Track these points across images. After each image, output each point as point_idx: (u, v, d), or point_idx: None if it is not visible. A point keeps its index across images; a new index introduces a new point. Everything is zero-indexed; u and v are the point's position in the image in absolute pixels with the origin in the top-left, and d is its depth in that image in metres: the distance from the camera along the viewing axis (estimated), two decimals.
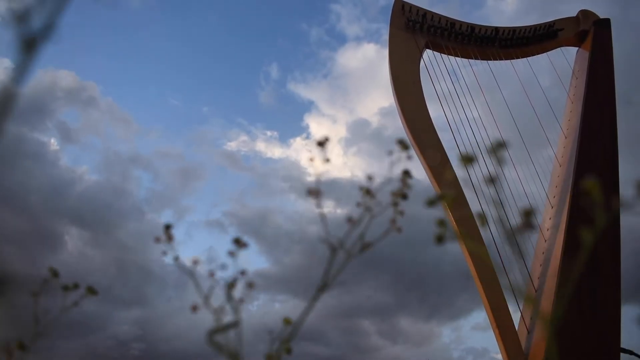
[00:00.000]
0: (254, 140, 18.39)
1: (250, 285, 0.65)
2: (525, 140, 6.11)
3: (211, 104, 19.97)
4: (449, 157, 5.62)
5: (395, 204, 0.66)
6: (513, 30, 6.81)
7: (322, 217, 0.65)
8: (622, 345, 4.61)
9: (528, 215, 0.54)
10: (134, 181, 16.42)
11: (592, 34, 6.93)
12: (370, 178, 0.65)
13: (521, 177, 5.81)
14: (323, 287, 0.64)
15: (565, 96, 6.79)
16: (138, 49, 19.57)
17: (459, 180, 5.19)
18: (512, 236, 0.56)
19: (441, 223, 0.55)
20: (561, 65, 7.00)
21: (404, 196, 0.66)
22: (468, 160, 0.57)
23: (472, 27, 6.63)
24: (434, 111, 5.90)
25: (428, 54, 6.40)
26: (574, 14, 7.25)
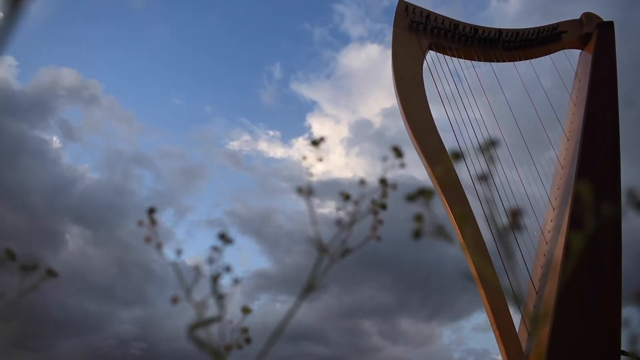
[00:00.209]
0: (256, 140, 18.43)
1: (236, 281, 0.65)
2: (527, 142, 6.11)
3: (214, 104, 20.02)
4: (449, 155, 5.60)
5: (375, 213, 0.66)
6: (516, 32, 6.81)
7: (312, 218, 0.66)
8: (623, 348, 4.60)
9: (515, 215, 0.55)
10: (135, 180, 16.46)
11: (595, 37, 6.93)
12: (362, 182, 0.66)
13: (523, 178, 5.81)
14: (309, 288, 0.65)
15: (567, 98, 6.78)
16: (141, 48, 19.63)
17: (460, 182, 5.20)
18: (504, 235, 0.57)
19: (418, 218, 0.55)
20: (564, 68, 7.00)
21: (383, 206, 0.66)
22: (456, 156, 0.58)
23: (475, 28, 6.63)
24: (437, 112, 5.91)
25: (431, 55, 6.41)
26: (578, 17, 7.25)
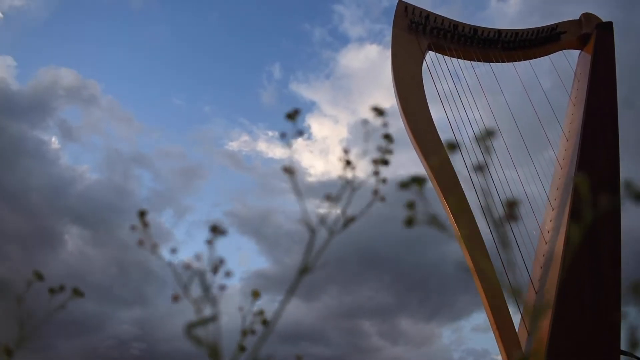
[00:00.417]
0: (256, 140, 18.43)
1: (227, 274, 0.64)
2: (526, 142, 6.11)
3: (213, 104, 20.03)
4: (448, 158, 5.62)
5: (376, 173, 0.64)
6: (516, 32, 6.82)
7: (298, 193, 0.65)
8: (622, 347, 4.61)
9: (512, 206, 0.55)
10: (135, 180, 16.46)
11: (594, 37, 6.93)
12: (346, 151, 0.65)
13: (522, 178, 5.82)
14: (304, 269, 0.63)
15: (567, 98, 6.79)
16: (140, 48, 19.63)
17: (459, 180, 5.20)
18: (500, 225, 0.57)
19: (410, 205, 0.55)
20: (563, 68, 7.01)
21: (385, 162, 0.65)
22: (452, 147, 0.58)
23: (474, 29, 6.64)
24: (436, 112, 5.91)
25: (430, 55, 6.41)
26: (577, 17, 7.26)
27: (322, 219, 0.63)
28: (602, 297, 4.88)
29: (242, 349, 0.65)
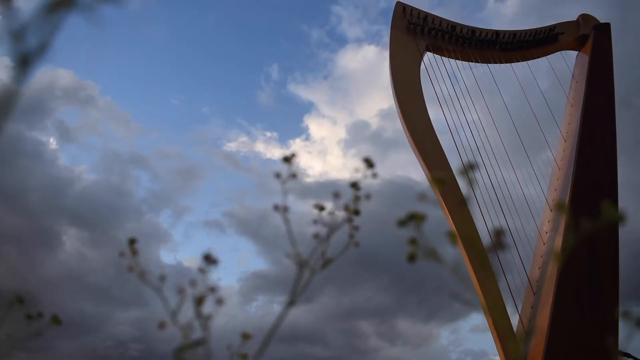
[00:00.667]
0: (254, 141, 18.43)
1: (219, 302, 0.65)
2: (524, 143, 6.12)
3: (211, 104, 20.02)
4: (447, 157, 5.63)
5: (350, 220, 0.66)
6: (514, 33, 6.82)
7: (290, 234, 0.65)
8: (621, 349, 4.61)
9: (499, 235, 0.54)
10: (132, 181, 16.45)
11: (592, 38, 6.94)
12: (337, 195, 0.66)
13: (520, 179, 5.82)
14: (291, 303, 0.65)
15: (564, 99, 6.80)
16: (138, 49, 19.61)
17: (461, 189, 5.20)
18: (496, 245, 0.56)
19: (413, 242, 0.55)
20: (561, 69, 7.02)
21: (357, 212, 0.66)
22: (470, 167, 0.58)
23: (472, 30, 6.64)
24: (434, 113, 5.91)
25: (429, 56, 6.42)
26: (575, 18, 7.27)
27: (305, 262, 0.64)
28: (600, 298, 4.88)
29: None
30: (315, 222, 0.65)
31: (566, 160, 6.08)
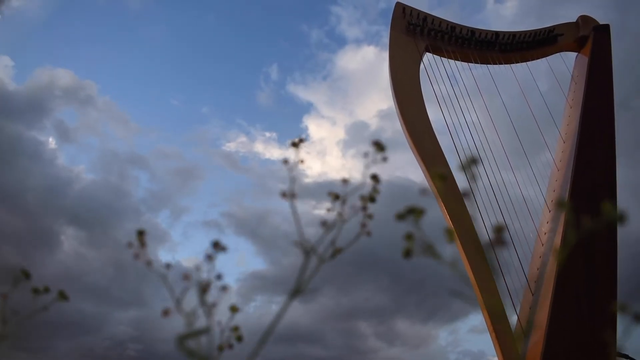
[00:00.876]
0: (253, 141, 18.41)
1: (224, 289, 0.65)
2: (523, 144, 6.13)
3: (211, 104, 19.99)
4: (446, 158, 5.64)
5: (364, 208, 0.66)
6: (513, 35, 6.84)
7: (296, 220, 0.66)
8: (619, 347, 4.62)
9: (499, 231, 0.55)
10: (131, 181, 16.42)
11: (591, 40, 6.96)
12: (345, 181, 0.66)
13: (519, 181, 5.83)
14: (296, 292, 0.64)
15: (564, 101, 6.81)
16: (137, 49, 19.59)
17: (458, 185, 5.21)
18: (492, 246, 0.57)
19: (409, 237, 0.55)
20: (560, 70, 7.03)
21: (373, 200, 0.66)
22: (472, 162, 0.58)
23: (472, 31, 6.65)
24: (433, 114, 5.92)
25: (428, 57, 6.43)
26: (574, 19, 7.28)
27: (313, 248, 0.64)
28: (598, 298, 4.89)
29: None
30: (328, 210, 0.65)
31: (565, 161, 6.09)
